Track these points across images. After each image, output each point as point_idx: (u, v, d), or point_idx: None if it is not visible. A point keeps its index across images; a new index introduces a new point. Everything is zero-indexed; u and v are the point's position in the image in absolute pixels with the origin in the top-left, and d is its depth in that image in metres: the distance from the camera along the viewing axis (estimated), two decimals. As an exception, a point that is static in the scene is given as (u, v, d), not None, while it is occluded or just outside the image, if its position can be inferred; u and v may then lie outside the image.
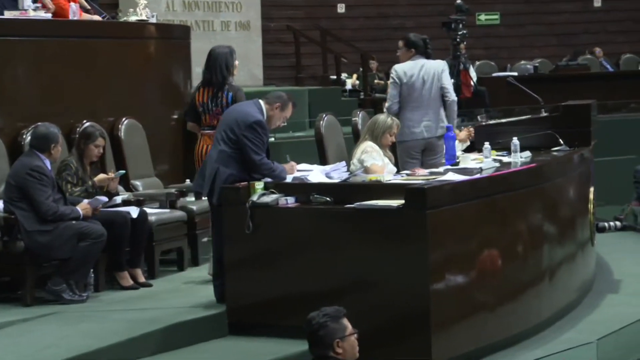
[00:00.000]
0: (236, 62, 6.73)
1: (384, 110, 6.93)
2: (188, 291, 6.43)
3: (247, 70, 14.71)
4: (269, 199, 5.26)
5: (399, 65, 7.13)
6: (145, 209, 6.78)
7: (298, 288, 5.16)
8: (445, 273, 4.94)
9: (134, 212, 6.52)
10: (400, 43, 7.27)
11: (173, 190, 7.42)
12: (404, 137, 6.96)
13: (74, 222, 6.02)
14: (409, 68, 7.05)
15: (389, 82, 7.05)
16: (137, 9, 8.27)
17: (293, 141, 10.29)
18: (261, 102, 5.86)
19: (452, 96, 7.19)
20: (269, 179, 5.56)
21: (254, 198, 5.27)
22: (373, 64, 14.65)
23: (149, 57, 8.21)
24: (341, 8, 16.04)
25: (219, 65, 6.63)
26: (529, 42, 16.77)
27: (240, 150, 5.66)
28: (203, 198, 6.67)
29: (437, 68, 7.15)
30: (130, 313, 5.75)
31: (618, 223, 9.53)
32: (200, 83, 6.77)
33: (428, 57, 7.14)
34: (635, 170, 10.58)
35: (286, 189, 5.38)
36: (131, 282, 6.47)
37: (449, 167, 5.97)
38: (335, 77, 14.28)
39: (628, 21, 17.12)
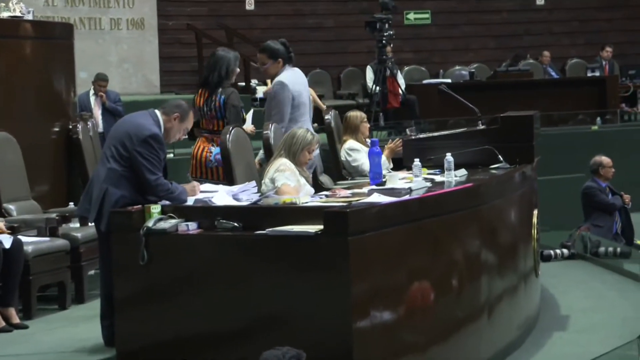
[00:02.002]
0: (237, 70, 7.29)
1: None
2: (71, 333, 6.36)
3: (142, 75, 14.67)
4: (166, 224, 5.24)
5: (284, 76, 7.24)
6: (19, 237, 6.68)
7: (201, 328, 5.15)
8: (370, 308, 4.99)
9: (6, 241, 6.43)
10: (263, 56, 7.36)
11: (54, 215, 7.34)
12: None
13: None
14: (294, 79, 7.20)
15: (275, 97, 7.14)
16: (10, 4, 8.18)
17: (195, 158, 10.26)
18: (157, 112, 5.85)
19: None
20: (166, 202, 5.54)
21: (149, 224, 5.25)
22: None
23: (24, 59, 8.12)
24: (250, 5, 16.11)
25: (219, 67, 7.18)
26: (464, 45, 17.07)
27: (132, 168, 5.64)
28: (89, 224, 6.61)
29: (305, 79, 7.44)
30: (1, 360, 5.66)
31: (565, 251, 9.73)
32: (199, 84, 7.38)
33: (291, 62, 7.29)
34: (584, 187, 10.86)
35: (187, 213, 5.38)
36: (3, 323, 6.37)
37: (374, 187, 6.03)
38: (243, 83, 14.31)
39: (574, 22, 17.57)
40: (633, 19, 17.76)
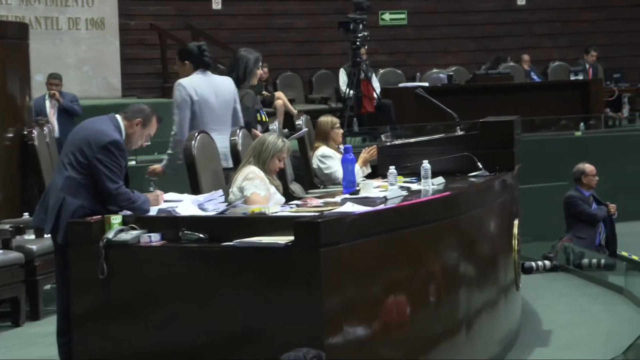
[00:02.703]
0: (259, 71, 7.73)
1: (172, 136, 7.16)
2: (25, 352, 6.32)
3: (102, 78, 14.62)
4: (128, 236, 5.22)
5: (185, 79, 7.34)
6: (-29, 249, 6.65)
7: (164, 345, 5.13)
8: (343, 323, 4.99)
9: (-43, 253, 6.39)
10: (176, 57, 7.67)
11: (7, 227, 7.29)
12: None
13: None
14: (200, 84, 7.28)
15: (175, 100, 7.26)
16: (-39, 2, 8.14)
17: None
18: (118, 117, 5.83)
19: (242, 122, 7.58)
20: (128, 212, 5.52)
21: (110, 235, 5.22)
22: (264, 72, 14.74)
23: (-24, 60, 8.07)
24: (217, 4, 16.11)
25: (238, 67, 7.60)
26: (442, 47, 17.14)
27: (91, 176, 5.62)
28: (45, 235, 6.58)
29: (230, 86, 7.47)
30: (-48, 380, 5.61)
31: (547, 262, 9.79)
32: None
33: (207, 67, 7.40)
34: (566, 197, 10.90)
35: (150, 223, 5.35)
36: (-46, 341, 6.32)
37: (347, 196, 6.04)
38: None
39: (557, 22, 17.68)
40: (617, 19, 17.87)
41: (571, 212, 10.81)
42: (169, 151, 7.22)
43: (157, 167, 7.26)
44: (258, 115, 7.79)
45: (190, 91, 7.18)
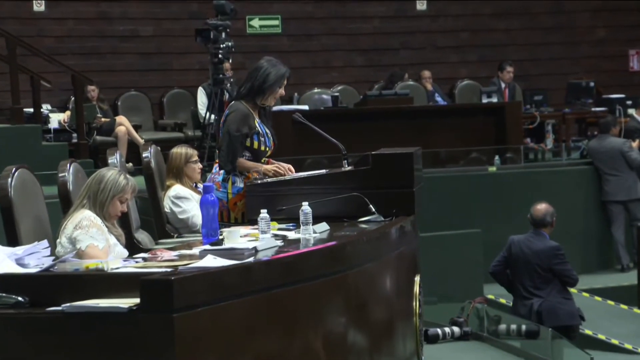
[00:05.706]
0: (281, 90, 7.69)
1: None
2: None
3: None
4: None
5: None
6: None
7: None
8: (203, 408, 4.98)
9: None
10: None
11: None
12: None
13: None
14: None
15: None
16: None
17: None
18: None
19: None
20: None
21: None
22: (93, 91, 14.65)
23: None
24: (39, 5, 15.97)
25: (253, 79, 7.60)
26: (325, 61, 17.28)
27: None
28: None
29: None
30: None
31: (456, 329, 9.89)
32: None
33: None
34: (556, 247, 10.22)
35: (-47, 284, 5.27)
36: None
37: (207, 247, 6.04)
38: (32, 109, 14.15)
39: (465, 32, 17.98)
40: (536, 29, 18.14)
41: (556, 267, 10.26)
42: None
43: None
44: (248, 140, 7.59)
45: None
